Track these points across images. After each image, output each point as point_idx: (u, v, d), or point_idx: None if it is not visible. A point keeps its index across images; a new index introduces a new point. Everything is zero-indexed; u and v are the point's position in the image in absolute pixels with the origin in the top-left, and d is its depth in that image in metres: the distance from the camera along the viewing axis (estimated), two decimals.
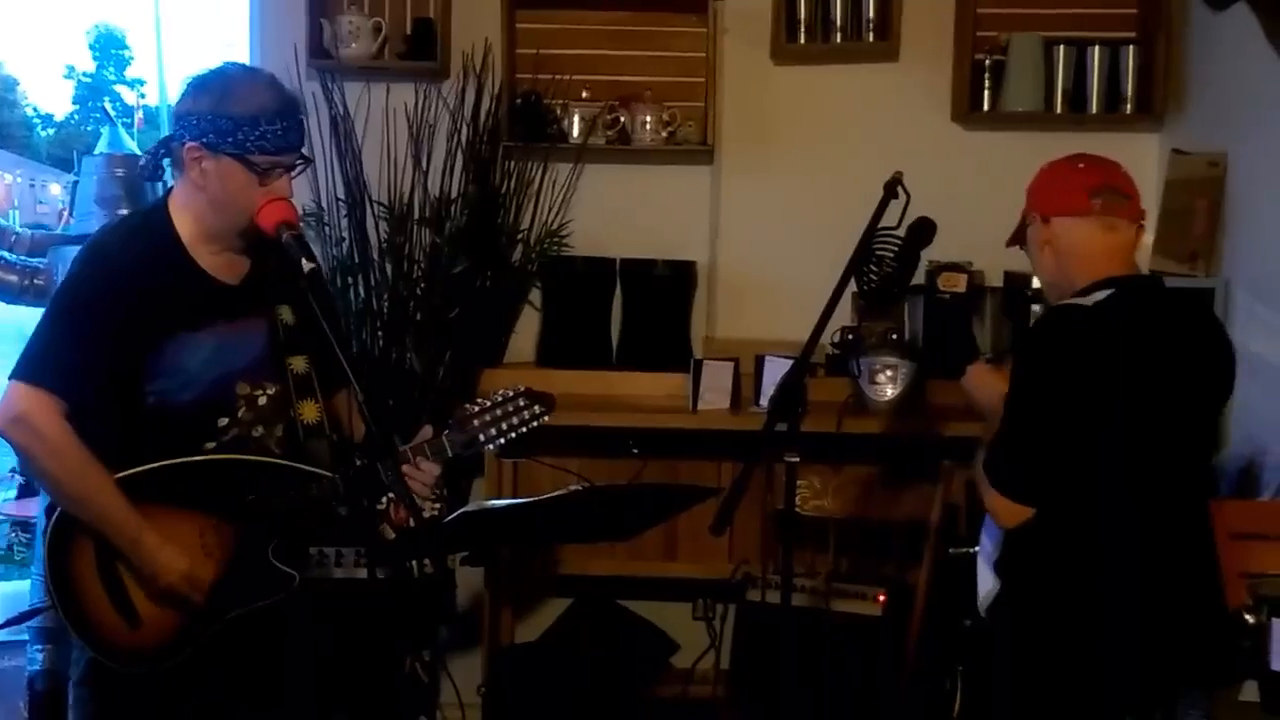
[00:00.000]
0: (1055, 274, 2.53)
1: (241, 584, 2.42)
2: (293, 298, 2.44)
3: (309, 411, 2.48)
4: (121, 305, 2.32)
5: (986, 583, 2.52)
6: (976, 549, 2.58)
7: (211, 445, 2.42)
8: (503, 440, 2.50)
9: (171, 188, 2.45)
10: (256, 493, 2.41)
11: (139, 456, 2.36)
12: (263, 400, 2.47)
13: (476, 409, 2.50)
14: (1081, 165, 2.53)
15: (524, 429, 2.51)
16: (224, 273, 2.45)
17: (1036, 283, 3.60)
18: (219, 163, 2.32)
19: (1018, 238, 2.61)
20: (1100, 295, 2.41)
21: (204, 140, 2.31)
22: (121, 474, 2.34)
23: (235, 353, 2.43)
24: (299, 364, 2.48)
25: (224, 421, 2.43)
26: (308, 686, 2.67)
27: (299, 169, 2.41)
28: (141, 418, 2.37)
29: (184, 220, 2.41)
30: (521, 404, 2.51)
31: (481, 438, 2.49)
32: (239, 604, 2.42)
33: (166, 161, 2.48)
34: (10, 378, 2.33)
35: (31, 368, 2.32)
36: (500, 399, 2.51)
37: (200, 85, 2.34)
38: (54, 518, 2.38)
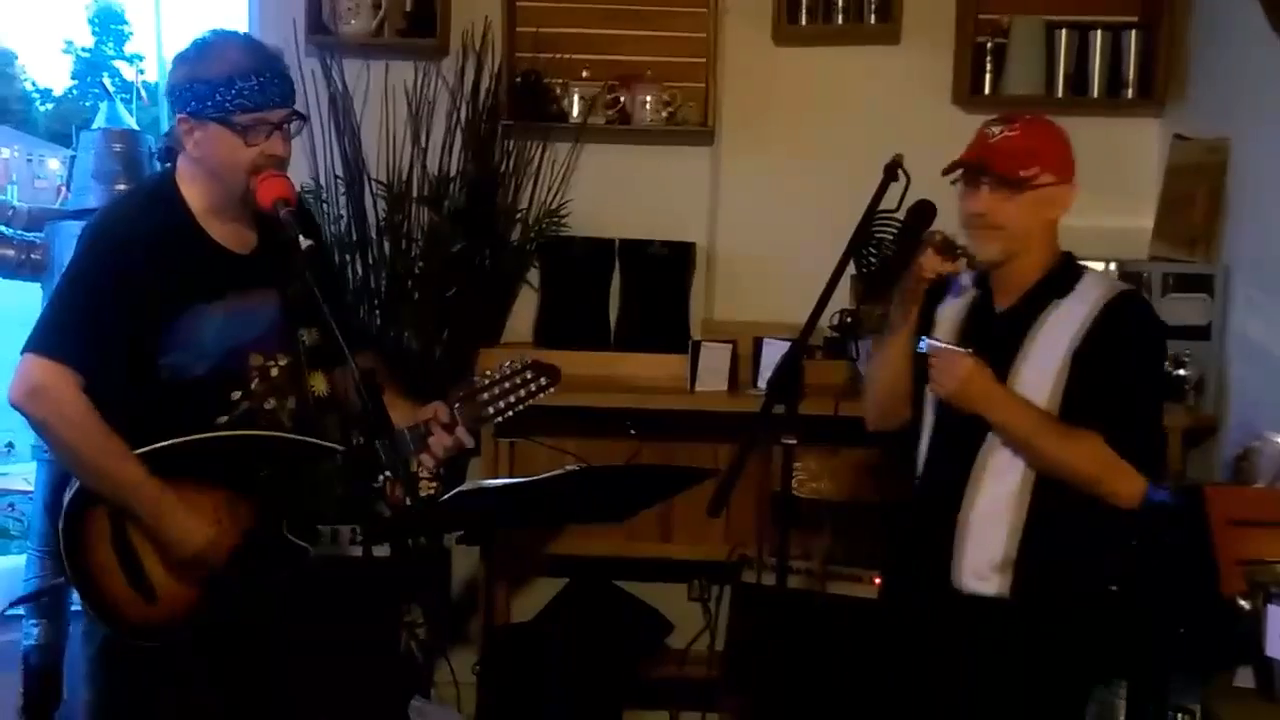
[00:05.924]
0: (1033, 240, 2.48)
1: (256, 557, 2.43)
2: (295, 272, 2.42)
3: (320, 383, 2.49)
4: (135, 277, 2.32)
5: (994, 553, 2.49)
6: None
7: (224, 419, 2.42)
8: (510, 413, 2.50)
9: (177, 161, 2.45)
10: (270, 468, 2.41)
11: (151, 429, 2.35)
12: (275, 371, 2.47)
13: (485, 382, 2.50)
14: None
15: (531, 401, 2.51)
16: (235, 243, 2.44)
17: None
18: (206, 130, 2.32)
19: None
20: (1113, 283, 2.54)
21: (189, 110, 2.31)
22: (136, 451, 2.34)
23: (247, 324, 2.43)
24: (310, 335, 2.47)
25: (237, 394, 2.43)
26: (307, 664, 2.68)
27: (291, 127, 2.38)
28: (155, 391, 2.37)
29: (192, 193, 2.40)
30: (529, 376, 2.51)
31: (491, 410, 2.48)
32: (254, 577, 2.43)
33: None
34: (24, 351, 2.31)
35: (47, 341, 2.31)
36: (508, 371, 2.51)
37: (180, 57, 2.35)
38: (70, 494, 2.38)
